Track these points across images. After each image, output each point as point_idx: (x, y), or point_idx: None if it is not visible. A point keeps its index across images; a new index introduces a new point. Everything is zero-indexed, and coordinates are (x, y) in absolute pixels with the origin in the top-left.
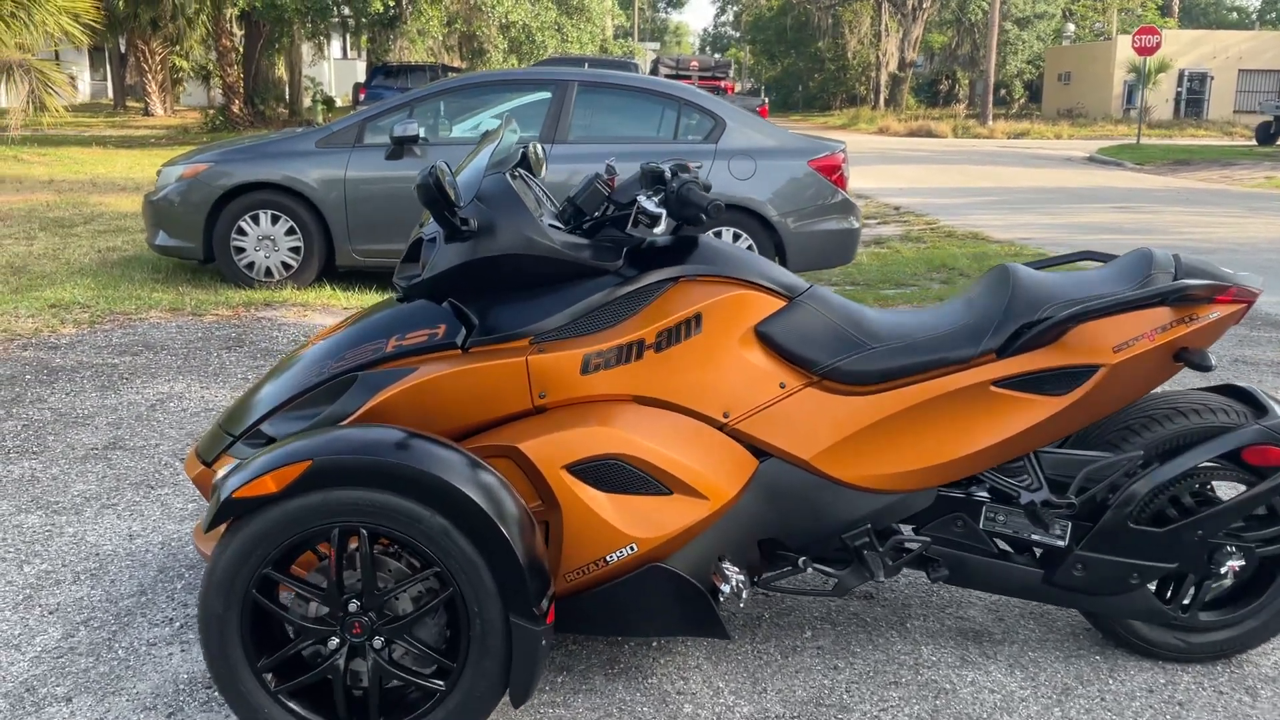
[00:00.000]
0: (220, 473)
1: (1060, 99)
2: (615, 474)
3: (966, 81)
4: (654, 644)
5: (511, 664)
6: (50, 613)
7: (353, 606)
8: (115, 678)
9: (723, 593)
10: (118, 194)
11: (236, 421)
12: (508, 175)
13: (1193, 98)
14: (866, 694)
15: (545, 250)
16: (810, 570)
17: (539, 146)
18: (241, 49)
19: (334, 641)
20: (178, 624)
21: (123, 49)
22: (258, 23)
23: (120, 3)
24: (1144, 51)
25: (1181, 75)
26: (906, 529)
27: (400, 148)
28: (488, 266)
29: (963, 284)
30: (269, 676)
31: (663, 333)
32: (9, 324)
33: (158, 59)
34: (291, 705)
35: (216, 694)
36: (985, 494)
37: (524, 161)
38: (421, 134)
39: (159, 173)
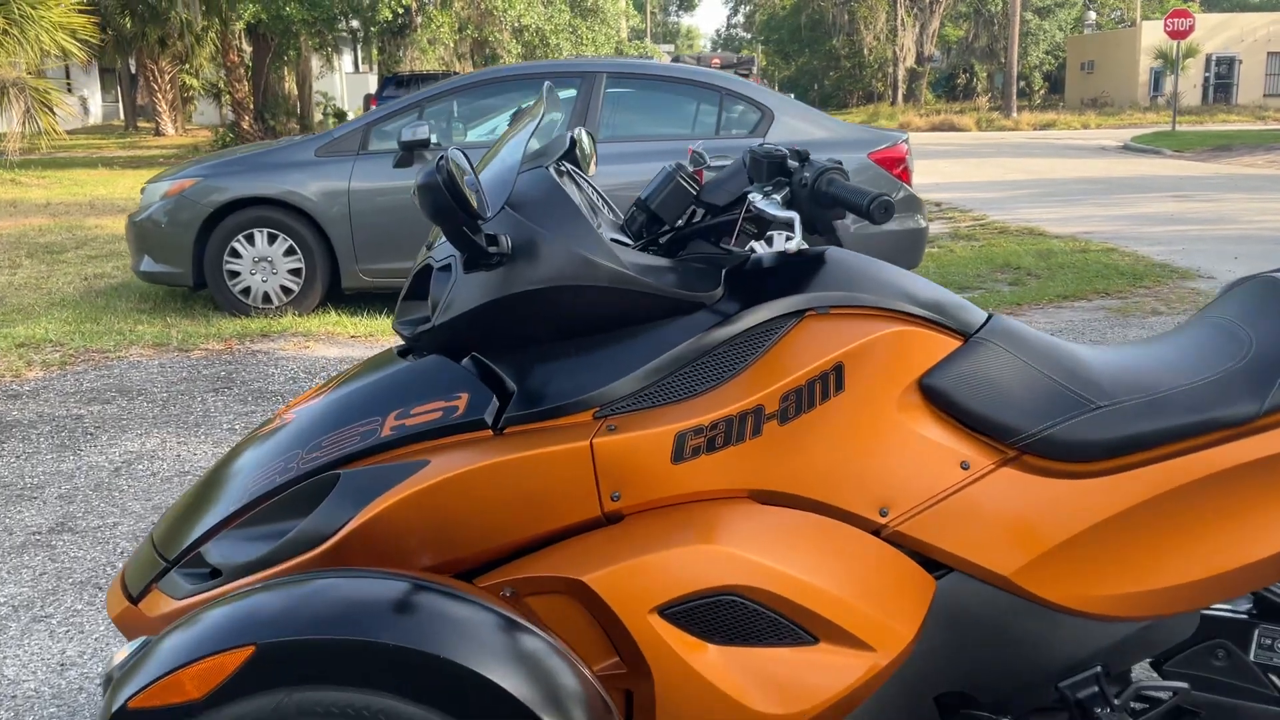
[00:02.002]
0: (117, 657)
1: (1084, 88)
2: (733, 618)
3: (985, 74)
4: None
5: None
6: None
7: None
8: None
9: None
10: (115, 215)
11: (172, 539)
12: (552, 170)
13: (1220, 82)
14: None
15: (611, 278)
16: None
17: (586, 135)
18: (250, 64)
19: None
20: None
21: (132, 69)
22: (265, 36)
23: (127, 22)
24: (1177, 35)
25: (1209, 60)
26: (1143, 667)
27: (410, 154)
28: (527, 305)
29: (1035, 285)
30: None
31: (788, 395)
32: None
33: (167, 78)
34: None
35: None
36: (1248, 609)
37: (570, 154)
38: (433, 138)
39: (143, 190)
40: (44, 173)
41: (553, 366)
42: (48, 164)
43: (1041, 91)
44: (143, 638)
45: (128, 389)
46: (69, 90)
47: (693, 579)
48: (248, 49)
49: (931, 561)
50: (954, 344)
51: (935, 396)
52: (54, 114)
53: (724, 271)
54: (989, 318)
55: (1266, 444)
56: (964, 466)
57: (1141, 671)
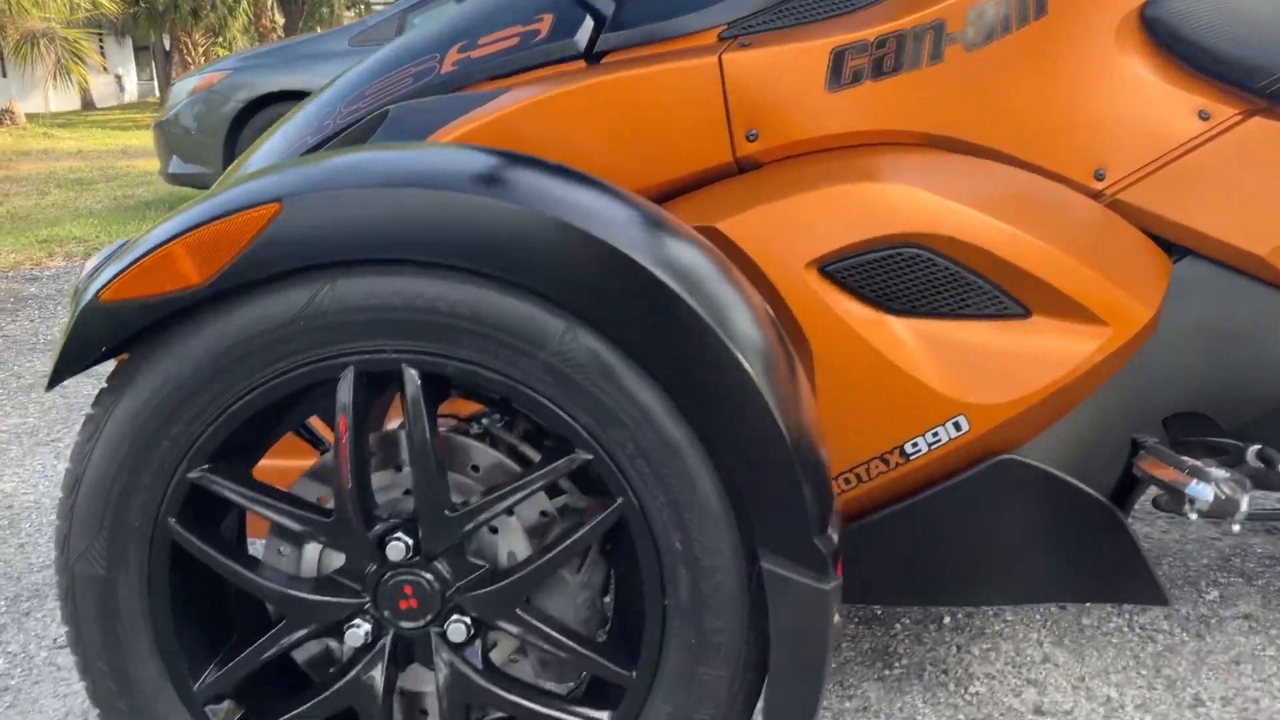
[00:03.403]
0: (88, 262)
1: None
2: (916, 278)
3: None
4: (946, 618)
5: (768, 664)
6: None
7: (396, 550)
8: None
9: (1179, 505)
10: (150, 158)
11: None
12: None
13: None
14: None
15: None
16: (1265, 471)
17: None
18: (283, 34)
19: (359, 630)
20: None
21: (166, 46)
22: (298, 1)
23: None
24: None
25: None
26: None
27: None
28: None
29: None
30: (220, 714)
31: (976, 10)
32: None
33: (200, 51)
34: None
35: None
36: None
37: None
38: None
39: (170, 89)
40: (76, 128)
41: None
42: (79, 123)
43: None
44: (121, 240)
45: None
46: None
47: (863, 223)
48: (280, 19)
49: (1161, 243)
50: None
51: (1161, 30)
52: (84, 64)
53: None
54: None
55: None
56: (1202, 117)
57: None
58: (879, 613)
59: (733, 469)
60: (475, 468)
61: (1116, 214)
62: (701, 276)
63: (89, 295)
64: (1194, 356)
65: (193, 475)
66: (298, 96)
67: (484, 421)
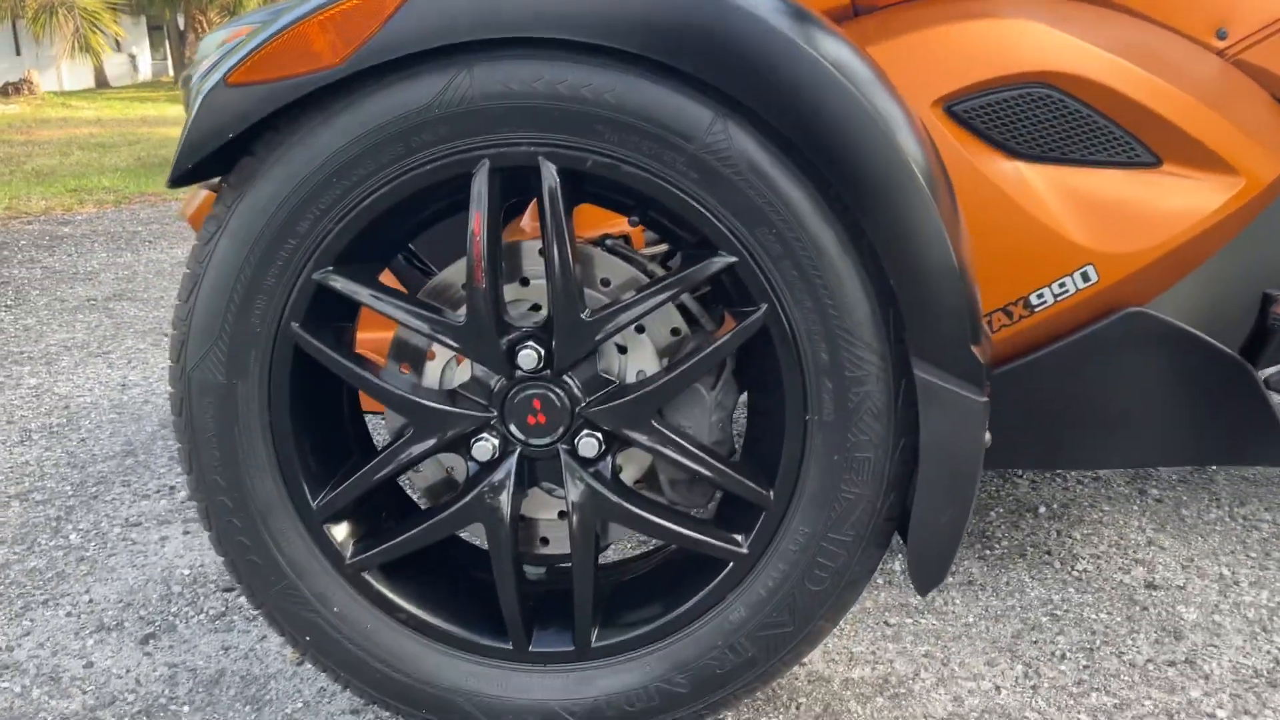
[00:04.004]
0: (203, 62)
1: None
2: (1046, 120)
3: None
4: (1040, 508)
5: (915, 484)
6: None
7: (528, 359)
8: (54, 577)
9: None
10: (170, 126)
11: None
12: None
13: None
14: None
15: None
16: None
17: None
18: None
19: (486, 446)
20: (183, 494)
21: (181, 25)
22: None
23: None
24: None
25: None
26: None
27: None
28: None
29: None
30: (338, 533)
31: None
32: (16, 204)
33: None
34: (391, 598)
35: (242, 598)
36: None
37: None
38: None
39: (200, 43)
40: (94, 100)
41: None
42: (96, 96)
43: None
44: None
45: None
46: (118, 48)
47: (991, 60)
48: None
49: None
50: None
51: None
52: (104, 36)
53: None
54: None
55: None
56: None
57: None
58: None
59: (887, 273)
60: (605, 281)
61: (1240, 72)
62: (866, 79)
63: (215, 79)
64: None
65: (319, 275)
66: None
67: (609, 242)
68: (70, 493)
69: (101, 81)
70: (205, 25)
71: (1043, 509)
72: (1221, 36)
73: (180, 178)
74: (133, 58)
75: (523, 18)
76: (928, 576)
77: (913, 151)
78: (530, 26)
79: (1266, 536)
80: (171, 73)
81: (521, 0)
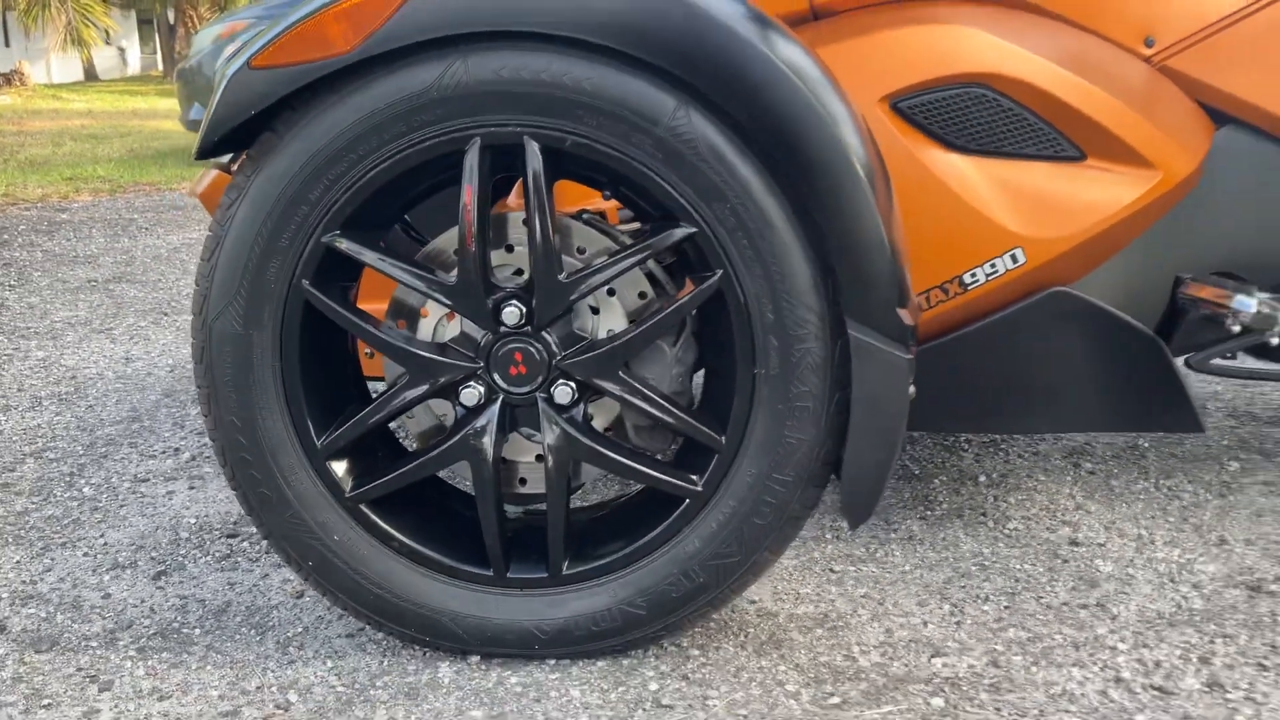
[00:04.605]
0: (231, 46)
1: None
2: (981, 117)
3: None
4: (980, 477)
5: (848, 431)
6: None
7: (511, 316)
8: (71, 524)
9: (1206, 336)
10: (161, 119)
11: None
12: None
13: None
14: None
15: None
16: None
17: None
18: None
19: (472, 393)
20: (187, 455)
21: (171, 19)
22: None
23: None
24: None
25: None
26: None
27: None
28: None
29: None
30: (339, 469)
31: None
32: (14, 192)
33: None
34: (385, 528)
35: (245, 543)
36: None
37: None
38: None
39: (194, 38)
40: (84, 92)
41: None
42: (86, 88)
43: None
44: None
45: (182, 206)
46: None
47: (933, 62)
48: None
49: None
50: None
51: None
52: (95, 29)
53: None
54: None
55: None
56: None
57: None
58: (916, 471)
59: (826, 244)
60: (581, 249)
61: (1165, 78)
62: (811, 72)
63: (239, 64)
64: (1233, 218)
65: (327, 239)
66: None
67: (586, 215)
68: (81, 452)
69: (90, 74)
70: (195, 20)
71: (983, 478)
72: (1149, 44)
73: (205, 150)
74: (122, 51)
75: (510, 14)
76: (858, 511)
77: (852, 142)
78: (516, 22)
79: (1186, 505)
80: (161, 67)
81: (508, 0)
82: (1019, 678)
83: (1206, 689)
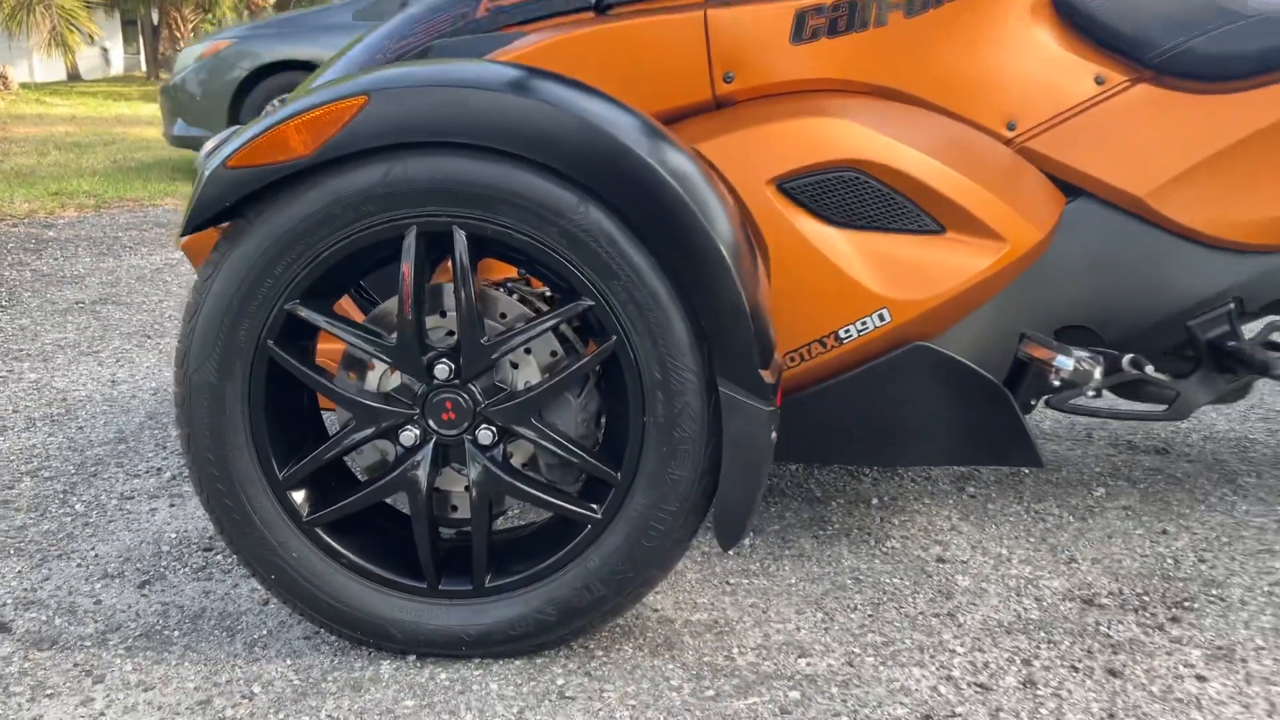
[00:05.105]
0: (209, 143)
1: None
2: (854, 197)
3: None
4: (874, 500)
5: (720, 469)
6: None
7: (442, 371)
8: (65, 538)
9: (1041, 387)
10: (143, 126)
11: None
12: None
13: None
14: (1231, 566)
15: None
16: (1134, 375)
17: None
18: (273, 9)
19: (410, 435)
20: (168, 475)
21: (155, 20)
22: None
23: None
24: None
25: None
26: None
27: None
28: None
29: None
30: (297, 498)
31: None
32: (2, 207)
33: (189, 27)
34: (337, 547)
35: (218, 556)
36: None
37: None
38: None
39: (177, 56)
40: (68, 97)
41: None
42: (68, 93)
43: None
44: (234, 128)
45: (164, 225)
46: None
47: (813, 149)
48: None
49: (1060, 185)
50: None
51: (1065, 7)
52: (79, 34)
53: None
54: None
55: None
56: (1098, 82)
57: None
58: (818, 494)
59: (701, 317)
60: (503, 315)
61: (1022, 158)
62: (689, 174)
63: (215, 163)
64: (1082, 279)
65: (289, 306)
66: (301, 66)
67: (508, 285)
68: (73, 471)
69: (74, 75)
70: (180, 21)
71: (875, 500)
72: (1011, 128)
73: (188, 231)
74: (105, 51)
75: (441, 127)
76: (729, 536)
77: (723, 231)
78: (447, 133)
79: (1049, 526)
80: (144, 68)
81: (440, 114)
82: (867, 675)
83: (1021, 686)
